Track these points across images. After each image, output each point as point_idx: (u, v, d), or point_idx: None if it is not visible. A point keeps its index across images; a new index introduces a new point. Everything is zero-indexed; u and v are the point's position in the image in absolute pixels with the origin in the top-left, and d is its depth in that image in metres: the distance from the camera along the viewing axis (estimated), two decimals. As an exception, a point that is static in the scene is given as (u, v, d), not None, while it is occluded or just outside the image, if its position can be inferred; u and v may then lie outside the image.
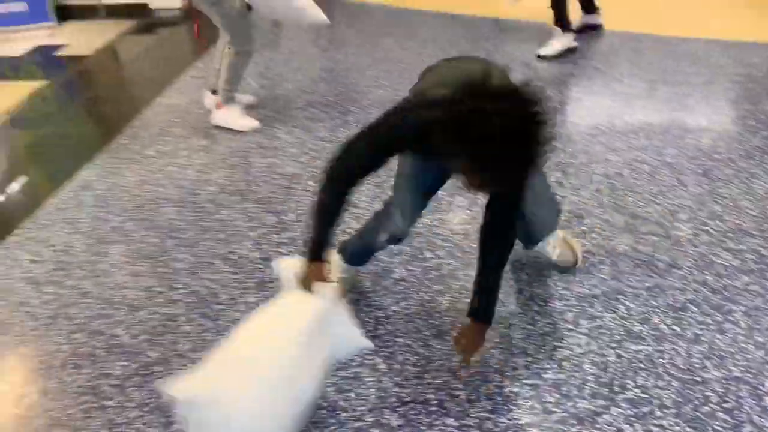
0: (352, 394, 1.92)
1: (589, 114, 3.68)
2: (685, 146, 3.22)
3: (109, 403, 1.94)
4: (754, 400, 1.84)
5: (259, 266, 2.49)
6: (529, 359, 2.01)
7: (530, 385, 1.92)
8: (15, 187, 3.34)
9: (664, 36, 4.66)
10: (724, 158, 3.10)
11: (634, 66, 4.21)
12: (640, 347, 2.03)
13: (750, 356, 1.98)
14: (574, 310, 2.21)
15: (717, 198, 2.79)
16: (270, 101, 3.92)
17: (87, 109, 4.32)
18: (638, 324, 2.13)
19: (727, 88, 3.85)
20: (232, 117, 3.55)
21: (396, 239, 2.11)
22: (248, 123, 3.56)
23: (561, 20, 4.30)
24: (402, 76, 4.07)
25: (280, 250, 2.57)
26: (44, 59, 5.10)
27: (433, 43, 4.78)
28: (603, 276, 2.35)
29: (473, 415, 1.83)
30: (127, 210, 2.92)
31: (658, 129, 3.40)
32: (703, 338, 2.06)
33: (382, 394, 1.90)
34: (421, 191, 2.05)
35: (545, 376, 1.95)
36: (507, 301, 2.23)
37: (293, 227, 2.71)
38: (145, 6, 5.74)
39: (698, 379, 1.91)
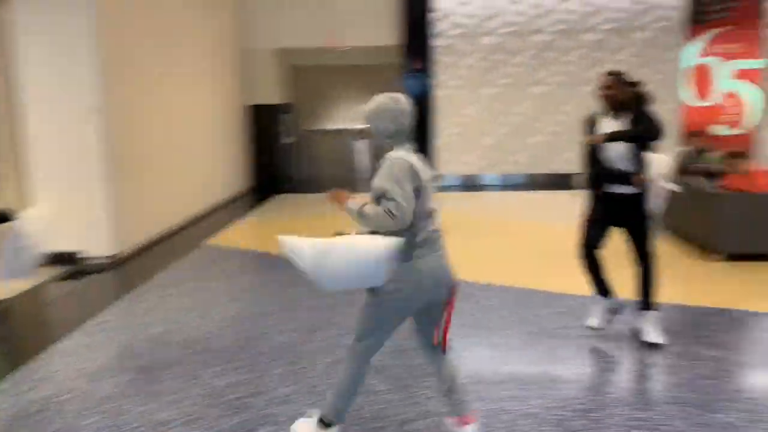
0: None
1: (471, 362, 3.89)
2: (549, 397, 3.40)
3: None
4: None
5: None
6: None
7: None
8: None
9: (551, 292, 5.10)
10: (578, 410, 3.26)
11: (515, 315, 4.56)
12: None
13: None
14: None
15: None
16: (163, 347, 4.06)
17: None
18: None
19: (598, 341, 4.16)
20: None
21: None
22: None
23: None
24: (307, 321, 4.31)
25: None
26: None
27: (342, 294, 5.13)
28: None
29: None
30: None
31: (526, 379, 3.60)
32: None
33: None
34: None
35: None
36: None
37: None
38: (72, 255, 6.08)
39: None
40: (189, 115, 8.46)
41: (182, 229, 7.92)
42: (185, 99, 8.31)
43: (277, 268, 5.95)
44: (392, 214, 2.54)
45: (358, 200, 2.69)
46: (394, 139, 2.74)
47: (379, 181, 2.63)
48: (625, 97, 4.11)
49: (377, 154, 2.96)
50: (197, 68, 8.84)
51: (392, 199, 2.55)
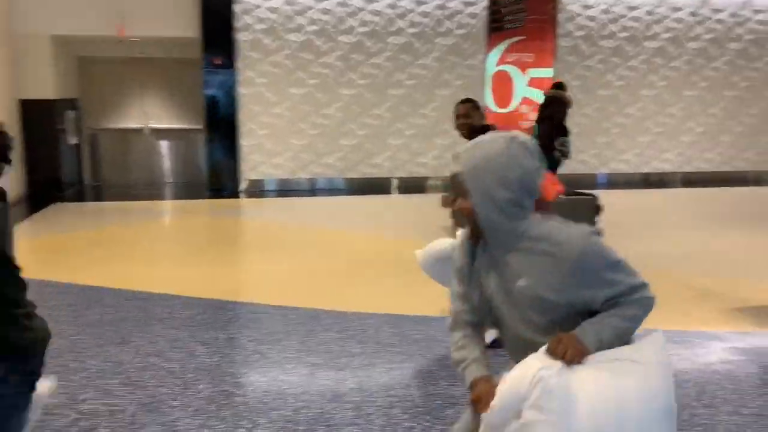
0: None
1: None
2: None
3: None
4: None
5: None
6: None
7: None
8: None
9: (342, 311, 4.74)
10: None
11: (303, 346, 4.12)
12: None
13: None
14: None
15: None
16: None
17: None
18: None
19: (386, 369, 3.84)
20: None
21: None
22: None
23: None
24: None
25: None
26: None
27: (163, 322, 4.36)
28: None
29: None
30: None
31: (306, 417, 3.16)
32: None
33: None
34: None
35: None
36: None
37: None
38: None
39: None
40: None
41: None
42: None
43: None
44: (650, 301, 1.74)
45: (588, 332, 1.68)
46: (515, 210, 1.72)
47: (593, 280, 1.69)
48: (479, 124, 4.25)
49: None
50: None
51: (635, 287, 1.72)
